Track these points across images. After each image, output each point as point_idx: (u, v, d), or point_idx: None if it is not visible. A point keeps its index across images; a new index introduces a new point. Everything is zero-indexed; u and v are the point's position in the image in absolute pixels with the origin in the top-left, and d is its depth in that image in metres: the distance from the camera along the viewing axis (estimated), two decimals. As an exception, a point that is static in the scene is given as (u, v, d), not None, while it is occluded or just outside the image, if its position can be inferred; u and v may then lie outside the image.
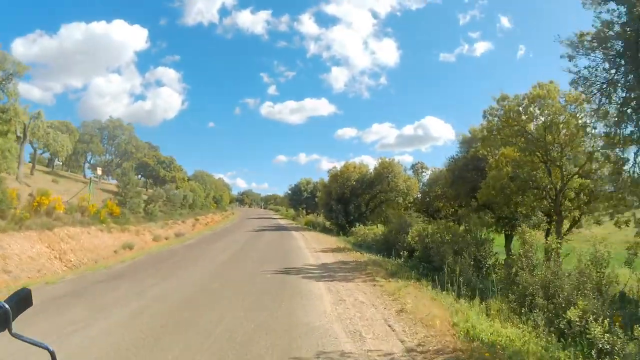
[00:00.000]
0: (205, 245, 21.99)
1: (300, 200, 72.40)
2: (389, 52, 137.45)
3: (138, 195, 34.93)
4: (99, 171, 35.23)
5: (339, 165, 38.84)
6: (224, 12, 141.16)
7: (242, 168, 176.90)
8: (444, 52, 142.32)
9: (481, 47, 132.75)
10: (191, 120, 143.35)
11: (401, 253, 15.97)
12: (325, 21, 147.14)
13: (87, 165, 61.68)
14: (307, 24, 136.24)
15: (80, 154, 58.88)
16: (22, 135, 29.18)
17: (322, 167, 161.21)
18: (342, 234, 34.11)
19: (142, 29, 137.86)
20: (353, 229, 37.60)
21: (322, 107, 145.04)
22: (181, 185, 56.97)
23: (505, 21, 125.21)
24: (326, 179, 40.88)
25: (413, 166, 42.84)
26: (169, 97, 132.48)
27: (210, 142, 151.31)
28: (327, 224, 46.02)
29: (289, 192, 76.15)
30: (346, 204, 36.96)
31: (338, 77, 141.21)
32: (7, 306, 1.36)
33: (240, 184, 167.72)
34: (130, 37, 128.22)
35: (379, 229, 30.65)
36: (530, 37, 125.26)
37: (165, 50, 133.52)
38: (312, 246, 21.49)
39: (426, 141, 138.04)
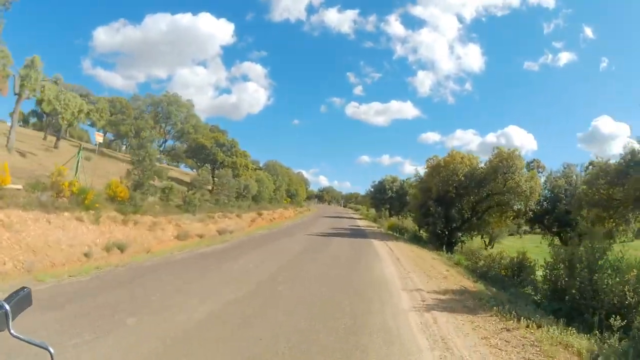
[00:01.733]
0: (232, 257, 13.67)
1: (384, 199, 62.38)
2: (474, 58, 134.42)
3: (161, 176, 27.88)
4: (99, 138, 28.37)
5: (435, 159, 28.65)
6: (311, 9, 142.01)
7: (325, 166, 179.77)
8: (528, 61, 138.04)
9: (564, 58, 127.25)
10: (276, 116, 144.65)
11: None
12: (412, 23, 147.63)
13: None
14: (394, 25, 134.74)
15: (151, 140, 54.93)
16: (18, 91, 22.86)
17: (405, 170, 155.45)
18: (443, 248, 23.99)
19: (228, 23, 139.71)
20: (458, 242, 27.39)
21: (406, 110, 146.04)
22: (243, 173, 50.03)
23: (589, 32, 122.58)
24: (421, 171, 30.63)
25: (528, 164, 30.81)
26: (254, 92, 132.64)
27: (294, 139, 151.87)
28: (419, 231, 35.94)
29: (371, 189, 66.50)
30: (448, 207, 26.62)
31: (423, 81, 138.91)
32: (6, 306, 1.35)
33: (322, 182, 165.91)
34: (216, 30, 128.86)
35: (503, 249, 20.14)
36: (613, 49, 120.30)
37: (252, 46, 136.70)
38: (411, 279, 11.78)
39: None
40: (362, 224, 48.68)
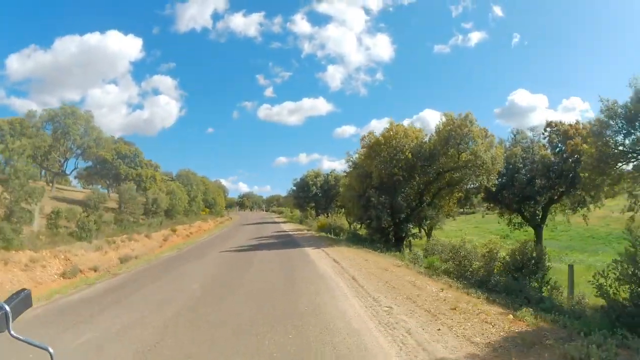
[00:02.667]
0: (98, 312, 6.78)
1: (308, 197, 56.86)
2: (383, 48, 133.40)
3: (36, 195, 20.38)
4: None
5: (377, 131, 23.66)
6: (216, 16, 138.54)
7: (243, 172, 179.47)
8: (438, 44, 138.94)
9: (475, 37, 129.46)
10: (190, 127, 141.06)
11: None
12: (318, 20, 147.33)
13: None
14: (301, 24, 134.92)
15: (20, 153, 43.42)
16: None
17: (323, 166, 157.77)
18: (395, 247, 18.93)
19: (136, 38, 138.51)
20: (409, 236, 22.66)
21: (319, 106, 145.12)
22: (151, 186, 41.65)
23: (497, 10, 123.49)
24: (354, 155, 25.35)
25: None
26: (166, 105, 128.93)
27: (210, 148, 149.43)
28: (358, 228, 30.77)
29: (293, 188, 60.58)
30: (393, 194, 21.65)
31: (334, 75, 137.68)
32: (7, 307, 1.36)
33: (242, 189, 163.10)
34: (125, 47, 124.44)
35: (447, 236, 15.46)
36: (524, 25, 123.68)
37: (160, 58, 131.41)
38: (429, 346, 5.79)
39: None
40: (288, 227, 42.70)
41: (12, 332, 1.36)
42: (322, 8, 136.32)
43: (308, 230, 37.18)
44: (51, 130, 39.79)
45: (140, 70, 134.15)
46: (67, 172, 43.46)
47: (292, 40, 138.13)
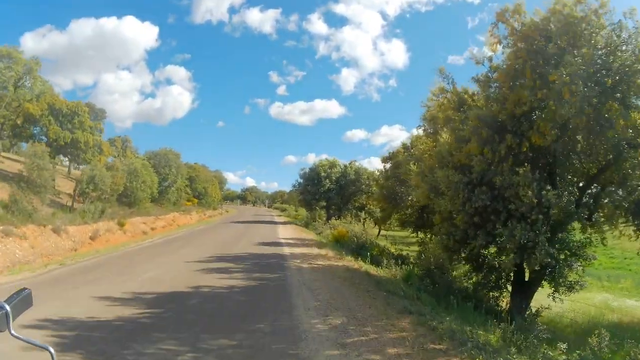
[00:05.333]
0: None
1: (318, 194, 42.92)
2: (398, 54, 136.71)
3: None
4: None
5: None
6: (232, 10, 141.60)
7: (252, 168, 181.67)
8: (452, 55, 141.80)
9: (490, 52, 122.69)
10: (201, 119, 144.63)
11: None
12: (335, 21, 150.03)
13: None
14: (317, 24, 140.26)
15: None
16: None
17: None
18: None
19: (153, 26, 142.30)
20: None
21: (331, 108, 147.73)
22: (91, 158, 28.37)
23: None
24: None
25: None
26: (179, 96, 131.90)
27: (220, 141, 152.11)
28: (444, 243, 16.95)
29: (300, 181, 46.57)
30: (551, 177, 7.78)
31: (347, 79, 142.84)
32: (7, 307, 1.36)
33: (249, 184, 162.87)
34: (141, 34, 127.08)
35: None
36: None
37: (176, 49, 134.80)
38: None
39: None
40: (287, 234, 28.72)
41: (13, 331, 1.35)
42: (339, 9, 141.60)
43: (315, 242, 23.24)
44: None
45: (154, 59, 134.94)
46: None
47: (307, 39, 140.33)
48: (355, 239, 21.53)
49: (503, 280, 11.42)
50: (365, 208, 49.27)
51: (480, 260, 11.65)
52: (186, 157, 70.06)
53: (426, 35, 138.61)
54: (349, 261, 14.78)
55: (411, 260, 20.51)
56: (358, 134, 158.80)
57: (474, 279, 12.32)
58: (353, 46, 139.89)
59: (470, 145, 9.33)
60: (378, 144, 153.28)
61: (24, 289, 1.50)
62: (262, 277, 10.92)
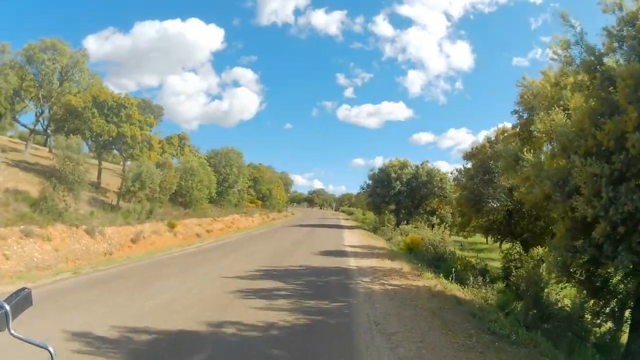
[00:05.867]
0: None
1: (388, 197, 39.75)
2: (463, 55, 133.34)
3: None
4: None
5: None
6: (298, 12, 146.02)
7: (319, 170, 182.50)
8: (517, 57, 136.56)
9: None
10: (268, 121, 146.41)
11: None
12: (400, 23, 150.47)
13: None
14: (382, 25, 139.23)
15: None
16: None
17: None
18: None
19: (218, 28, 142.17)
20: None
21: (398, 111, 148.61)
22: (140, 154, 27.59)
23: (577, 27, 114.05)
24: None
25: None
26: (246, 98, 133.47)
27: (288, 144, 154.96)
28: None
29: (369, 183, 43.62)
30: None
31: (414, 81, 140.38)
32: (6, 306, 1.37)
33: (317, 186, 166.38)
34: (206, 36, 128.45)
35: None
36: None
37: (242, 51, 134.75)
38: None
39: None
40: (354, 240, 26.09)
41: (12, 331, 1.35)
42: (403, 10, 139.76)
43: (386, 251, 20.38)
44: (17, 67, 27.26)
45: (220, 61, 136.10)
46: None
47: (373, 41, 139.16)
48: (431, 247, 18.38)
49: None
50: (437, 212, 45.55)
51: (600, 282, 8.52)
52: (254, 159, 70.46)
53: (490, 36, 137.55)
54: (429, 279, 11.79)
55: (493, 274, 17.22)
56: (425, 137, 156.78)
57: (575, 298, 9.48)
58: (418, 48, 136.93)
59: (623, 118, 6.15)
60: (445, 147, 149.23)
61: (24, 288, 1.50)
62: (317, 307, 8.12)
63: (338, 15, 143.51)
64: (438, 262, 16.29)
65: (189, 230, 26.14)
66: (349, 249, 19.85)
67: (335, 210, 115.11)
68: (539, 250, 12.06)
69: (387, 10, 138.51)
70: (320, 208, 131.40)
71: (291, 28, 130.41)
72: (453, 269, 12.72)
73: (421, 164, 40.15)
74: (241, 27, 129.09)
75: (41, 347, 1.41)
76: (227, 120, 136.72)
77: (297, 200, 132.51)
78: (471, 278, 11.87)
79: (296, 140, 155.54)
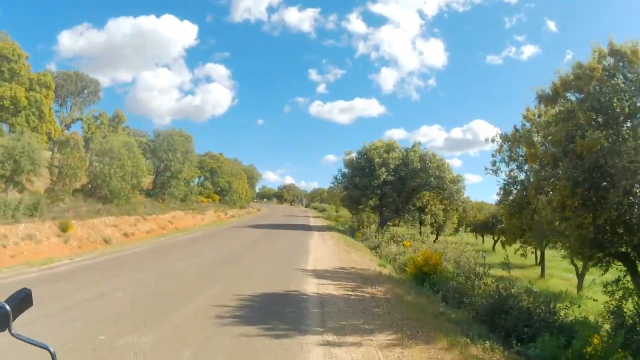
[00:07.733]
0: None
1: (371, 188, 30.55)
2: (436, 53, 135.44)
3: None
4: None
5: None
6: (271, 9, 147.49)
7: (291, 166, 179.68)
8: (490, 55, 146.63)
9: (528, 51, 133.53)
10: (241, 117, 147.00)
11: None
12: (373, 20, 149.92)
13: None
14: (355, 23, 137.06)
15: None
16: None
17: None
18: None
19: (192, 25, 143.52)
20: None
21: (371, 107, 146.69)
22: (25, 125, 17.92)
23: (552, 25, 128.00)
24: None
25: None
26: (218, 94, 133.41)
27: (259, 140, 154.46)
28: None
29: (345, 171, 34.29)
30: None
31: (387, 78, 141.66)
32: (7, 307, 1.36)
33: (288, 182, 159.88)
34: (179, 32, 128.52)
35: None
36: (577, 41, 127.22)
37: (215, 47, 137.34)
38: None
39: (475, 145, 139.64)
40: (325, 252, 16.72)
41: (13, 331, 1.35)
42: (377, 8, 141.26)
43: (380, 276, 11.27)
44: None
45: (194, 57, 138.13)
46: None
47: (346, 38, 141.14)
48: (473, 277, 9.38)
49: None
50: (426, 208, 37.03)
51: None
52: (226, 154, 63.24)
53: (464, 34, 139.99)
54: None
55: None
56: (397, 134, 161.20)
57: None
58: (392, 45, 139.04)
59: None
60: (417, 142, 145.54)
61: (24, 288, 1.47)
62: None
63: (311, 12, 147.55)
64: (503, 316, 7.31)
65: (96, 233, 18.19)
66: (313, 279, 10.52)
67: (306, 207, 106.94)
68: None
69: (361, 9, 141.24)
70: (291, 204, 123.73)
71: (264, 25, 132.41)
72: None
73: (412, 147, 31.24)
74: (214, 23, 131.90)
75: (42, 347, 1.39)
76: (199, 116, 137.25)
77: (266, 195, 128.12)
78: None
79: (268, 136, 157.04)
